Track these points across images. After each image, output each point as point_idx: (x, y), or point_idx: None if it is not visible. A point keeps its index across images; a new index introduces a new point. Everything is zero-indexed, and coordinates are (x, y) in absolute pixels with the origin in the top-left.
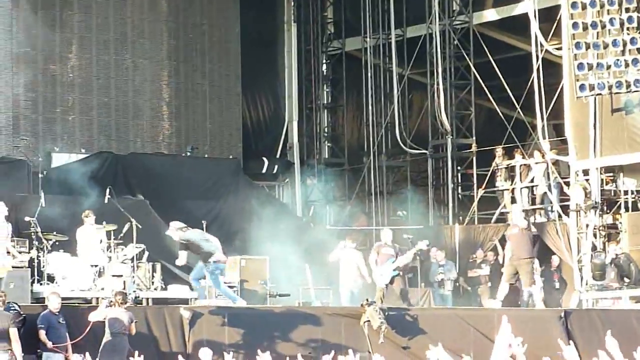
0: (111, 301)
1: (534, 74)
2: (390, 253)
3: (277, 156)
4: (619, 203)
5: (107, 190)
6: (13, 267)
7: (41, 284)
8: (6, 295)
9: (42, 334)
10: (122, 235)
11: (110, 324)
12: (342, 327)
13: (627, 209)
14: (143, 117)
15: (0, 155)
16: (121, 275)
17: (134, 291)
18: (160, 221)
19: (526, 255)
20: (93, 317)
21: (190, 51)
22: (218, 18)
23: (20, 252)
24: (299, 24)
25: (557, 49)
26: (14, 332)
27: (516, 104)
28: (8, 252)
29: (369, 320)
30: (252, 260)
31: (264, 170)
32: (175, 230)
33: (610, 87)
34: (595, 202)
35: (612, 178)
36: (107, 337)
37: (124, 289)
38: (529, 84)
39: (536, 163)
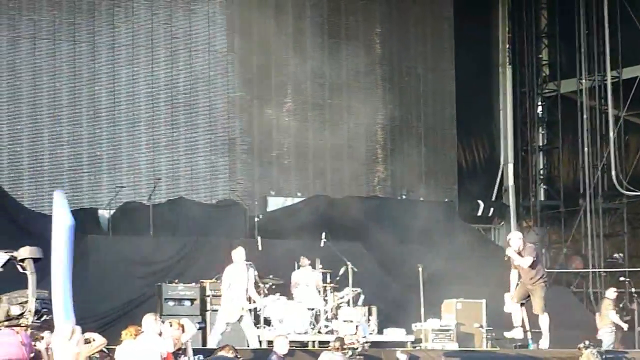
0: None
1: None
2: None
3: (493, 199)
4: None
5: (323, 234)
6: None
7: (258, 327)
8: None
9: None
10: (338, 278)
11: None
12: None
13: None
14: (358, 160)
15: (217, 199)
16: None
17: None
18: (375, 264)
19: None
20: None
21: (404, 94)
22: (433, 61)
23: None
24: (514, 66)
25: None
26: None
27: None
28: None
29: None
30: (468, 303)
31: (479, 213)
32: None
33: None
34: None
35: None
36: None
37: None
38: None
39: None
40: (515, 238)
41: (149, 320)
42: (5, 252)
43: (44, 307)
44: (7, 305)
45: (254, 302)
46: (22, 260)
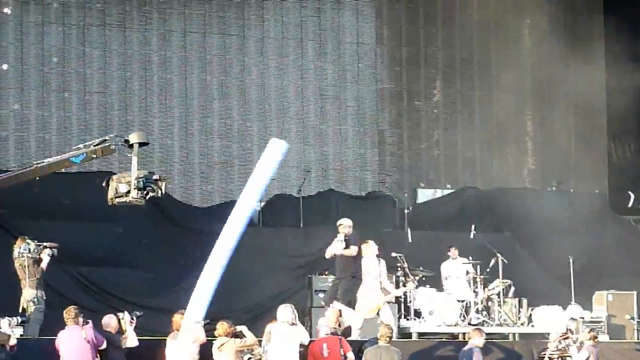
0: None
1: None
2: None
3: None
4: None
5: (472, 226)
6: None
7: (408, 319)
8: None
9: None
10: (488, 270)
11: None
12: None
13: None
14: (507, 152)
15: (367, 191)
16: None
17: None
18: (526, 256)
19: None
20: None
21: (554, 83)
22: (582, 47)
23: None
24: None
25: None
26: None
27: None
28: (382, 289)
29: None
30: (619, 295)
31: (630, 204)
32: None
33: None
34: None
35: None
36: None
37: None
38: None
39: None
40: (345, 224)
41: (286, 311)
42: (118, 137)
43: (148, 185)
44: (117, 183)
45: (388, 292)
46: (132, 146)
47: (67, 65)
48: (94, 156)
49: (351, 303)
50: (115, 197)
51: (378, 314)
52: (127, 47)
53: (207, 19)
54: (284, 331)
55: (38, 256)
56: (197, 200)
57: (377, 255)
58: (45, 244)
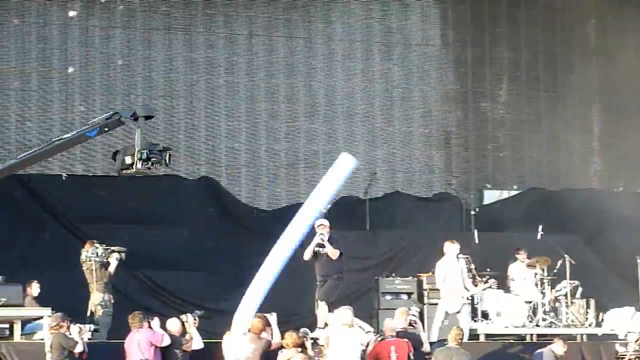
0: None
1: None
2: None
3: None
4: None
5: (539, 227)
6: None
7: (475, 321)
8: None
9: None
10: (555, 271)
11: None
12: None
13: None
14: (574, 153)
15: (433, 192)
16: None
17: None
18: (593, 257)
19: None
20: None
21: (620, 82)
22: None
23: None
24: None
25: None
26: None
27: None
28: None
29: None
30: None
31: None
32: None
33: None
34: None
35: None
36: None
37: None
38: None
39: None
40: (326, 224)
41: (346, 313)
42: (126, 110)
43: (152, 156)
44: (122, 156)
45: (469, 290)
46: (137, 119)
47: (132, 69)
48: (106, 129)
49: (333, 303)
50: (122, 169)
51: (459, 312)
52: (192, 50)
53: (273, 21)
54: (344, 333)
55: (106, 260)
56: (263, 203)
57: (459, 255)
58: (113, 248)
